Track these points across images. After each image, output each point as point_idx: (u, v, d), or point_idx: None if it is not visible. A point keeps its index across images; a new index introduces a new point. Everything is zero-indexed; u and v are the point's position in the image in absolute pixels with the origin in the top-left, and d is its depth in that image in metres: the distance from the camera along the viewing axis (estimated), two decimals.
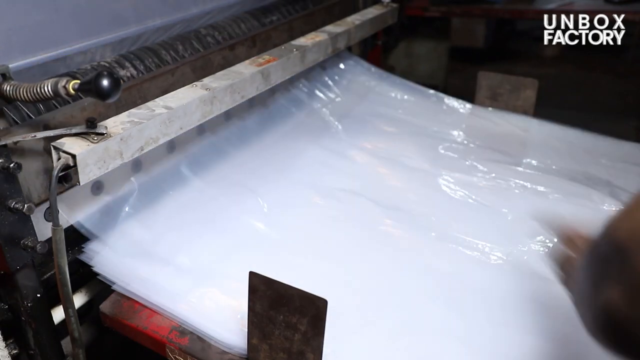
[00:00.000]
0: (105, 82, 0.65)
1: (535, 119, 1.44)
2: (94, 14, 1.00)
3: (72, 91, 0.67)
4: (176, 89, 0.97)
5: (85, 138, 0.74)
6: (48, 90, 0.68)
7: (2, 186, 0.73)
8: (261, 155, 1.25)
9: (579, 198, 1.15)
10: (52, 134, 0.74)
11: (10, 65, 0.76)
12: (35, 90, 0.68)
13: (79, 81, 0.67)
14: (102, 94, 0.66)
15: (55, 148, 0.72)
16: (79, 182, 0.73)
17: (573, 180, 1.22)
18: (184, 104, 0.88)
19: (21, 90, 0.69)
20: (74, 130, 0.74)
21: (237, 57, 1.17)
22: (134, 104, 0.92)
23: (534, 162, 1.30)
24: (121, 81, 0.68)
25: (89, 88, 0.66)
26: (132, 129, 0.79)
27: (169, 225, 1.00)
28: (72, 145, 0.72)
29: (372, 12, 1.59)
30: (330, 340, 0.70)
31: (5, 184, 0.73)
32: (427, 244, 1.04)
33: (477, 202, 1.16)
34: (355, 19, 1.49)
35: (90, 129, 0.74)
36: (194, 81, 1.02)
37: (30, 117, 0.84)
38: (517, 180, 1.22)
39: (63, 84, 0.67)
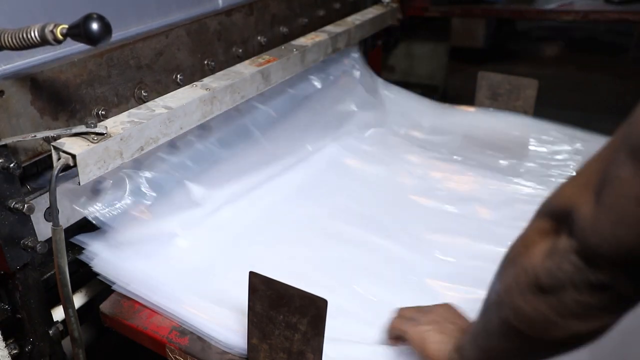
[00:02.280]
0: (95, 26, 0.61)
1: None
2: None
3: (60, 36, 0.63)
4: (170, 52, 0.96)
5: (85, 138, 0.74)
6: (35, 36, 0.64)
7: (2, 186, 0.73)
8: (265, 152, 1.25)
9: None
10: (52, 134, 0.74)
11: None
12: (21, 36, 0.64)
13: (67, 25, 0.63)
14: (92, 38, 0.62)
15: (55, 148, 0.73)
16: (79, 183, 0.73)
17: None
18: (183, 104, 0.88)
19: (6, 36, 0.65)
20: (74, 130, 0.74)
21: (234, 24, 1.15)
22: (126, 64, 0.91)
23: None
24: (111, 25, 0.63)
25: (78, 32, 0.62)
26: (132, 129, 0.79)
27: (169, 223, 1.00)
28: (72, 145, 0.72)
29: (372, 12, 1.59)
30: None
31: (5, 184, 0.73)
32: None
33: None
34: (355, 19, 1.49)
35: (90, 129, 0.74)
36: (189, 45, 1.02)
37: None
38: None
39: (50, 28, 0.63)
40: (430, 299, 0.87)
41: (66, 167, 0.72)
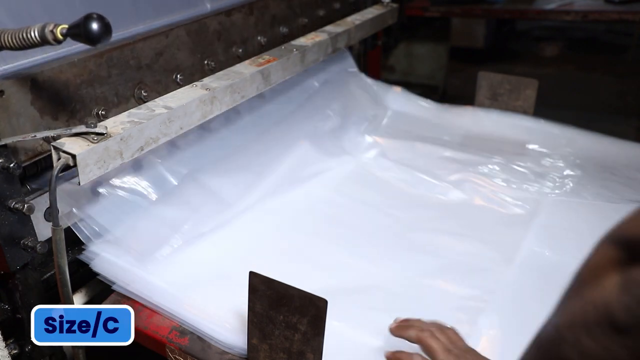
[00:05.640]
0: (95, 26, 0.61)
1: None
2: None
3: (60, 36, 0.63)
4: (170, 52, 0.96)
5: (85, 138, 0.74)
6: (35, 36, 0.63)
7: (2, 186, 0.73)
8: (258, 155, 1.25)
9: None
10: (52, 134, 0.74)
11: None
12: (21, 36, 0.64)
13: (67, 25, 0.63)
14: (92, 38, 0.61)
15: (55, 148, 0.73)
16: (79, 183, 0.73)
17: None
18: (183, 103, 0.88)
19: (6, 36, 0.65)
20: (74, 130, 0.74)
21: (233, 24, 1.15)
22: (127, 64, 0.91)
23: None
24: (111, 25, 0.63)
25: (78, 32, 0.61)
26: (132, 129, 0.79)
27: (169, 224, 1.00)
28: (72, 145, 0.72)
29: (372, 12, 1.59)
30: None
31: (5, 184, 0.73)
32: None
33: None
34: (355, 19, 1.49)
35: (90, 129, 0.74)
36: (189, 45, 1.02)
37: None
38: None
39: (50, 28, 0.63)
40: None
41: (66, 167, 0.72)
